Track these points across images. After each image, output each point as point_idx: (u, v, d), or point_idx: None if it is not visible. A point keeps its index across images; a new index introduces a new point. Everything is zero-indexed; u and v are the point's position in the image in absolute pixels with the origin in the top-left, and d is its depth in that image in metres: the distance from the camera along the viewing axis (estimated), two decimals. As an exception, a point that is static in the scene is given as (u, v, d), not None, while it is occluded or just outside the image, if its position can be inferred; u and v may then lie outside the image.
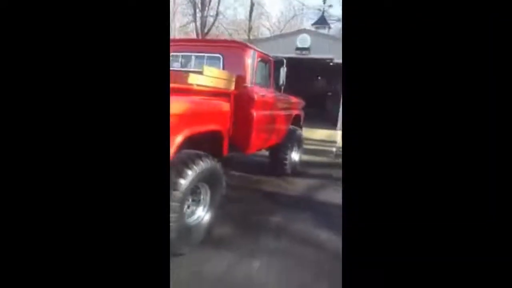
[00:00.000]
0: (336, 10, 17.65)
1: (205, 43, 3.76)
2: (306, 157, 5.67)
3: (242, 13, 22.61)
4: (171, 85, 2.42)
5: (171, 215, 2.08)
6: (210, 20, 18.91)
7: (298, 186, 4.44)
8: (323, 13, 12.60)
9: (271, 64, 3.92)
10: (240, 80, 3.22)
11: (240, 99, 3.09)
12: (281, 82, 3.76)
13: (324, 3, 13.10)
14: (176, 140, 2.11)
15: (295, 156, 4.89)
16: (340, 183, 4.57)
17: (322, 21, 10.97)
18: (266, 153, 4.68)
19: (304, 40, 8.19)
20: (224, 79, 3.02)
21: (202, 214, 2.52)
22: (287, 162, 4.55)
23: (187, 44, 3.68)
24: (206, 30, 18.33)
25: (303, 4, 22.12)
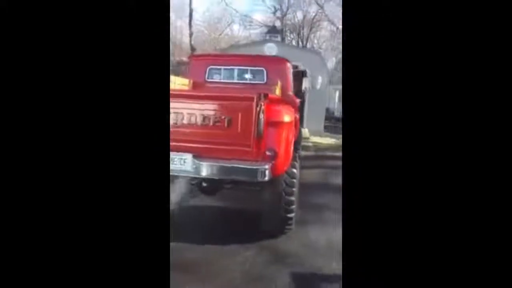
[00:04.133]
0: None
1: (248, 58, 4.25)
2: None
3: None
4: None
5: (291, 198, 2.66)
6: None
7: (309, 176, 5.25)
8: (274, 23, 13.79)
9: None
10: (284, 89, 3.87)
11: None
12: (303, 88, 4.50)
13: (274, 14, 14.37)
14: (293, 142, 2.69)
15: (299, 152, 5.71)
16: (334, 171, 5.56)
17: (274, 31, 12.07)
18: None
19: (271, 48, 9.09)
20: (279, 89, 3.65)
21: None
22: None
23: (229, 58, 4.14)
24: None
25: (237, 11, 23.22)
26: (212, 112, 2.15)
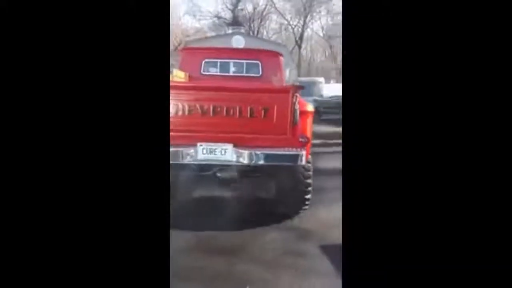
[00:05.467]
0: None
1: (243, 51, 4.35)
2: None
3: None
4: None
5: (309, 181, 2.92)
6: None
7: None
8: (235, 16, 13.78)
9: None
10: (279, 82, 4.09)
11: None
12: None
13: (237, 7, 14.32)
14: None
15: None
16: (321, 156, 5.97)
17: (237, 23, 12.12)
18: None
19: (238, 41, 9.17)
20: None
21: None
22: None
23: (225, 51, 4.21)
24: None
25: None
26: (249, 104, 2.29)
